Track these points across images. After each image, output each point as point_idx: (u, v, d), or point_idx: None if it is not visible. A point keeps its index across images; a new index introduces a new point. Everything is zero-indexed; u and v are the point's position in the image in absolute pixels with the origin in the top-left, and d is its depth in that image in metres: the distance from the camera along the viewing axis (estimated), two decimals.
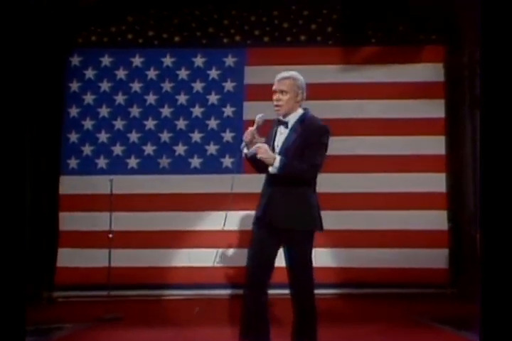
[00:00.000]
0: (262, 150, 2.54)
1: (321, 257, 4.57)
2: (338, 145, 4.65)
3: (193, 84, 4.99)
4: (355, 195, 4.78)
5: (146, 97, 5.00)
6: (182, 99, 5.00)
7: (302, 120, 2.66)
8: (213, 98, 4.98)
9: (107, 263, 4.05)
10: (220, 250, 4.56)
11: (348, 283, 4.69)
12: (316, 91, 4.78)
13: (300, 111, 2.69)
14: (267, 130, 2.68)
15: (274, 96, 2.65)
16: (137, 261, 4.69)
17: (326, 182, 5.25)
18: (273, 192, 2.59)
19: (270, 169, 2.56)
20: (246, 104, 4.88)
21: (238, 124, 4.82)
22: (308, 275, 2.59)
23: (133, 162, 4.93)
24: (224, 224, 2.76)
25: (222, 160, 4.91)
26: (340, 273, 4.71)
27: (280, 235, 2.57)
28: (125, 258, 4.58)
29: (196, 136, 4.96)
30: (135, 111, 4.98)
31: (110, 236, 4.08)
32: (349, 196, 4.78)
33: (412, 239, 4.71)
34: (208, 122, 4.97)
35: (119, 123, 4.98)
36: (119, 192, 4.32)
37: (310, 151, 2.58)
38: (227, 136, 4.93)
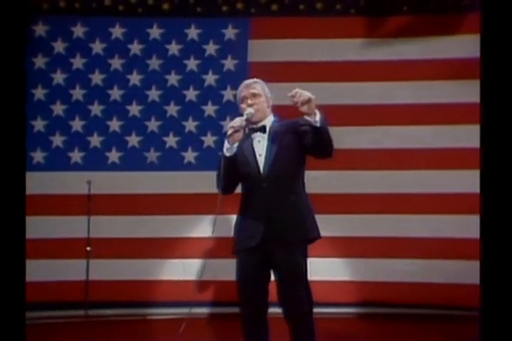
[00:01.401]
0: (301, 91, 2.57)
1: (332, 269, 4.49)
2: (359, 138, 4.64)
3: (185, 62, 4.79)
4: (375, 196, 4.61)
5: (128, 77, 4.78)
6: (173, 79, 4.79)
7: (278, 122, 2.82)
8: (210, 78, 4.78)
9: (84, 277, 4.00)
10: (207, 260, 4.37)
11: (364, 301, 4.55)
12: (334, 71, 4.71)
13: (271, 116, 2.86)
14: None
15: (245, 104, 2.79)
16: (121, 273, 4.55)
17: (341, 181, 4.92)
18: (270, 205, 2.68)
19: (311, 120, 2.60)
20: None
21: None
22: (310, 289, 2.72)
23: (114, 156, 4.74)
24: (213, 231, 2.81)
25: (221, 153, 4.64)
26: (355, 288, 4.59)
27: (275, 252, 2.67)
28: (106, 270, 4.46)
29: (190, 125, 4.77)
30: (116, 93, 4.76)
31: (88, 249, 3.98)
32: (368, 197, 4.61)
33: (442, 249, 4.50)
34: (204, 108, 4.78)
35: (96, 109, 4.77)
36: (98, 192, 4.17)
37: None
38: (228, 124, 4.55)
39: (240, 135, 2.69)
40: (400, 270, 4.56)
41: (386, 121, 4.69)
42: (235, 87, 4.69)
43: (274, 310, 2.75)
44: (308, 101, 2.57)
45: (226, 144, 2.70)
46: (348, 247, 4.57)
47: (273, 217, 2.68)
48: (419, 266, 4.54)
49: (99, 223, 4.34)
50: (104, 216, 4.50)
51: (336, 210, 4.52)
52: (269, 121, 2.82)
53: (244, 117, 2.72)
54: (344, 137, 4.63)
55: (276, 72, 4.59)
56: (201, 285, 4.45)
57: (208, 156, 4.72)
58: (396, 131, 4.70)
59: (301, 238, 2.71)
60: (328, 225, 4.56)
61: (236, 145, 2.68)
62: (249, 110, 2.74)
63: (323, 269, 4.35)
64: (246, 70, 4.74)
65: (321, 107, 4.75)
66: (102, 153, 4.74)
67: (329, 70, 4.69)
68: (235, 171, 2.70)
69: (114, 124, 4.76)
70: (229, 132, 2.66)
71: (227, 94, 4.77)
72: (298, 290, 2.68)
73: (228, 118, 4.77)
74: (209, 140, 4.77)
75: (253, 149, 2.77)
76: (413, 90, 4.68)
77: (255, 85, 2.83)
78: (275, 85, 4.50)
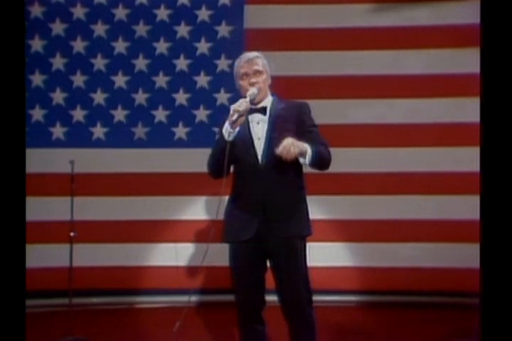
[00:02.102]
0: (288, 146, 2.53)
1: (332, 254, 4.51)
2: (361, 111, 4.54)
3: (176, 28, 4.66)
4: (377, 175, 4.53)
5: (113, 44, 4.64)
6: (162, 47, 4.66)
7: (279, 103, 2.78)
8: (203, 46, 4.66)
9: (67, 263, 3.87)
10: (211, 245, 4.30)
11: (367, 288, 4.51)
12: (337, 38, 4.58)
13: (270, 96, 2.81)
14: None
15: (246, 81, 2.71)
16: (107, 259, 4.52)
17: (340, 160, 4.96)
18: (266, 194, 2.64)
19: (301, 161, 2.62)
20: None
21: None
22: (310, 284, 2.73)
23: (99, 131, 4.64)
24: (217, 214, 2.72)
25: (215, 129, 4.37)
26: (357, 275, 4.54)
27: (271, 248, 2.66)
28: (91, 256, 4.41)
29: (181, 97, 4.66)
30: (100, 62, 4.63)
31: (72, 234, 3.85)
32: (370, 177, 4.53)
33: (451, 232, 4.43)
34: (196, 78, 4.67)
35: (78, 79, 4.65)
36: (82, 171, 4.10)
37: (314, 134, 2.71)
38: (222, 97, 4.65)
39: (243, 118, 2.61)
40: (405, 255, 4.50)
41: (392, 93, 4.57)
42: (230, 56, 4.67)
43: (272, 298, 2.73)
44: (297, 155, 2.54)
45: (228, 128, 2.60)
46: (348, 231, 4.52)
47: (268, 210, 2.63)
48: (426, 251, 4.47)
49: (83, 205, 4.16)
50: (89, 197, 4.43)
51: (335, 191, 4.47)
52: (269, 101, 2.75)
53: (248, 99, 2.63)
54: (345, 111, 4.60)
55: (274, 40, 4.53)
56: (195, 271, 4.35)
57: (200, 132, 4.67)
58: (402, 105, 4.60)
59: (295, 235, 2.68)
60: (327, 207, 4.55)
61: (238, 129, 2.60)
62: (253, 90, 2.66)
63: (322, 254, 4.29)
64: (242, 38, 4.67)
65: (322, 78, 4.62)
66: (85, 129, 4.64)
67: (332, 38, 4.58)
68: (231, 155, 2.60)
69: (99, 97, 4.65)
70: (234, 117, 2.56)
71: (222, 64, 4.66)
72: (297, 285, 2.64)
73: (222, 90, 4.72)
74: (202, 114, 4.66)
75: (250, 132, 2.69)
76: (423, 59, 4.56)
77: (258, 61, 2.73)
78: (273, 54, 4.44)
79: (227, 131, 2.59)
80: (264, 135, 2.68)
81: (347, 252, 4.60)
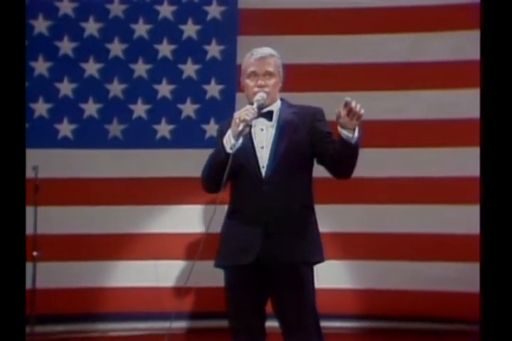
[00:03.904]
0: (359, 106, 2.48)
1: (334, 274, 4.42)
2: (378, 106, 4.47)
3: (158, 8, 4.59)
4: (397, 180, 4.48)
5: (83, 25, 4.56)
6: (141, 29, 4.60)
7: (288, 108, 2.76)
8: (190, 29, 4.60)
9: (29, 285, 3.80)
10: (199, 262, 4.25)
11: (374, 313, 4.46)
12: (348, 19, 4.56)
13: (278, 100, 2.79)
14: None
15: (252, 81, 2.69)
16: (75, 279, 4.48)
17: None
18: (269, 213, 2.60)
19: (348, 135, 2.52)
20: (241, 40, 4.56)
21: (229, 71, 4.60)
22: (318, 320, 2.69)
23: (66, 128, 4.55)
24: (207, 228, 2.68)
25: (204, 126, 4.61)
26: (363, 297, 4.48)
27: (274, 275, 2.63)
28: (56, 276, 4.33)
29: (164, 89, 4.60)
30: (67, 47, 4.52)
31: (35, 254, 3.85)
32: (388, 182, 4.49)
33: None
34: (182, 67, 4.61)
35: (41, 66, 4.54)
36: (47, 176, 4.08)
37: (327, 138, 2.66)
38: (212, 88, 4.59)
39: (248, 129, 2.59)
40: (427, 276, 4.41)
41: (413, 84, 4.49)
42: (221, 41, 4.57)
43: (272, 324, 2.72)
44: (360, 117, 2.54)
45: (231, 139, 2.58)
46: (355, 246, 4.45)
47: (271, 231, 2.60)
48: (453, 271, 4.37)
49: (46, 216, 4.11)
50: (53, 207, 4.33)
51: (343, 199, 4.43)
52: (276, 105, 2.74)
53: (255, 105, 2.61)
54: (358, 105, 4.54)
55: (273, 22, 4.52)
56: (179, 293, 4.27)
57: (186, 130, 4.64)
58: (426, 97, 4.52)
59: (302, 260, 2.65)
60: (332, 218, 4.37)
61: (241, 140, 2.57)
62: (261, 95, 2.63)
63: (322, 274, 4.26)
64: (235, 20, 4.62)
65: (330, 66, 4.54)
66: (50, 125, 4.53)
67: (341, 19, 4.52)
68: (230, 169, 2.60)
69: (66, 87, 4.56)
70: (240, 127, 2.53)
71: (212, 50, 4.60)
72: (303, 322, 2.61)
73: (213, 81, 4.64)
74: (188, 109, 4.59)
75: (252, 139, 2.66)
76: (450, 43, 4.46)
77: (271, 60, 2.69)
78: (272, 39, 4.34)
79: (230, 143, 2.57)
80: (270, 143, 2.65)
81: (351, 271, 4.54)
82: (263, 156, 2.64)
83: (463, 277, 4.40)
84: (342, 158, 2.58)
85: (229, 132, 2.58)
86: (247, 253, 2.61)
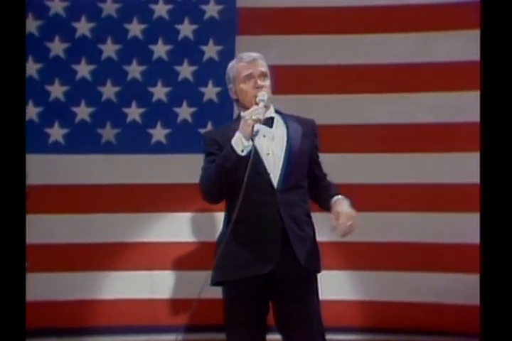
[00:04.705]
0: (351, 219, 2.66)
1: (337, 284, 4.41)
2: (380, 109, 4.53)
3: (153, 7, 4.56)
4: (401, 187, 4.45)
5: (75, 25, 4.52)
6: (136, 29, 4.55)
7: (283, 115, 2.83)
8: (187, 29, 4.56)
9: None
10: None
11: (379, 326, 4.41)
12: (351, 18, 4.58)
13: (272, 107, 2.86)
14: None
15: (249, 84, 2.72)
16: (66, 291, 4.41)
17: (352, 168, 4.84)
18: (287, 221, 2.65)
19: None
20: (239, 40, 4.53)
21: None
22: (324, 332, 2.75)
23: (57, 133, 4.51)
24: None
25: (201, 130, 4.44)
26: (368, 309, 4.46)
27: (281, 287, 2.66)
28: (46, 287, 4.28)
29: (160, 91, 4.55)
30: (58, 48, 4.49)
31: (26, 265, 3.79)
32: (392, 189, 4.46)
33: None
34: (178, 68, 4.56)
35: (31, 68, 4.49)
36: (37, 183, 4.01)
37: (319, 166, 2.85)
38: (210, 91, 4.54)
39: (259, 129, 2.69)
40: (436, 287, 4.38)
41: (419, 86, 4.46)
42: (219, 41, 4.52)
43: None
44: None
45: (242, 141, 2.62)
46: (358, 256, 4.42)
47: (289, 238, 2.64)
48: (463, 284, 4.31)
49: (38, 223, 4.09)
50: (43, 215, 4.29)
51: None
52: (271, 112, 2.79)
53: (261, 104, 2.65)
54: (361, 108, 4.53)
55: (274, 22, 4.54)
56: (177, 305, 4.32)
57: (182, 134, 4.60)
58: (431, 100, 4.48)
59: (314, 270, 2.74)
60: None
61: (251, 143, 2.64)
62: (263, 94, 2.68)
63: (325, 285, 4.26)
64: (234, 19, 4.60)
65: (332, 68, 4.50)
66: (40, 129, 4.48)
67: (344, 18, 4.50)
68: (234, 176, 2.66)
69: (57, 90, 4.51)
70: (255, 127, 2.57)
71: (209, 51, 4.56)
72: (310, 334, 2.61)
73: (210, 83, 4.60)
74: (185, 112, 4.55)
75: (255, 146, 2.66)
76: (458, 43, 4.41)
77: (263, 62, 2.79)
78: (273, 39, 4.32)
79: (241, 146, 2.59)
80: (281, 150, 2.68)
81: (357, 282, 4.50)
82: (270, 163, 2.68)
83: (473, 289, 4.42)
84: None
85: (238, 134, 2.59)
86: (264, 262, 2.63)
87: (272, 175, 2.66)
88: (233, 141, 2.62)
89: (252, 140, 2.65)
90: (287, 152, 2.71)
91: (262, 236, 2.66)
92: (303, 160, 2.71)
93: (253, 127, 2.57)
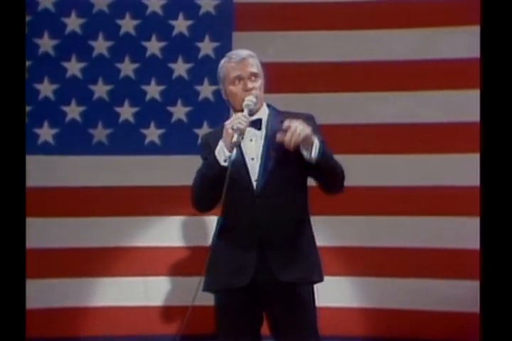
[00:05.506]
0: (297, 125, 2.49)
1: (337, 291, 4.38)
2: (384, 108, 4.55)
3: (146, 2, 4.55)
4: (407, 189, 4.43)
5: (65, 21, 4.49)
6: (128, 25, 4.53)
7: (276, 115, 2.77)
8: (181, 25, 4.55)
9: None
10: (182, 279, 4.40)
11: (381, 334, 4.41)
12: (354, 13, 4.57)
13: (265, 105, 2.81)
14: None
15: (238, 87, 2.70)
16: (57, 298, 4.38)
17: (353, 170, 4.83)
18: (264, 229, 2.61)
19: (305, 154, 2.54)
20: (236, 36, 4.52)
21: None
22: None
23: (47, 133, 4.49)
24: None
25: (196, 130, 4.54)
26: (369, 317, 4.44)
27: (271, 297, 2.64)
28: (34, 294, 4.06)
29: (153, 90, 4.53)
30: (47, 44, 4.47)
31: None
32: (397, 191, 4.44)
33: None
34: (172, 66, 4.54)
35: None
36: (29, 185, 3.80)
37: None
38: (206, 89, 4.52)
39: (241, 138, 2.63)
40: (439, 294, 4.35)
41: (425, 83, 4.44)
42: (216, 38, 4.50)
43: None
44: (305, 138, 2.53)
45: (224, 151, 2.61)
46: (359, 261, 4.40)
47: (267, 248, 2.61)
48: (467, 290, 4.24)
49: (32, 227, 3.93)
50: (31, 218, 3.96)
51: (345, 210, 4.37)
52: (264, 112, 2.75)
53: (246, 112, 2.62)
54: (364, 107, 4.51)
55: (272, 17, 4.50)
56: (171, 312, 4.31)
57: (177, 134, 4.58)
58: (438, 98, 4.45)
59: (301, 280, 2.67)
60: (333, 230, 4.33)
61: (235, 151, 2.60)
62: (251, 99, 2.65)
63: (324, 292, 4.13)
64: (230, 14, 4.59)
65: (334, 65, 4.52)
66: (28, 129, 4.34)
67: (346, 13, 4.46)
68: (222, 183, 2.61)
69: (46, 88, 4.48)
70: (235, 138, 2.54)
71: (205, 48, 4.54)
72: None
73: (206, 82, 4.57)
74: (179, 111, 4.54)
75: (241, 151, 2.68)
76: (465, 40, 4.35)
77: (252, 61, 2.74)
78: (271, 35, 4.30)
79: (223, 155, 2.58)
80: (259, 154, 2.66)
81: (358, 289, 4.48)
82: (254, 169, 2.66)
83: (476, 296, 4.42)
84: (317, 176, 2.62)
85: (221, 143, 2.59)
86: (241, 275, 2.63)
87: (255, 181, 2.63)
88: (216, 151, 2.62)
89: (238, 147, 2.62)
90: (263, 155, 2.68)
91: (239, 245, 2.64)
92: (287, 161, 2.65)
93: (232, 137, 2.55)
